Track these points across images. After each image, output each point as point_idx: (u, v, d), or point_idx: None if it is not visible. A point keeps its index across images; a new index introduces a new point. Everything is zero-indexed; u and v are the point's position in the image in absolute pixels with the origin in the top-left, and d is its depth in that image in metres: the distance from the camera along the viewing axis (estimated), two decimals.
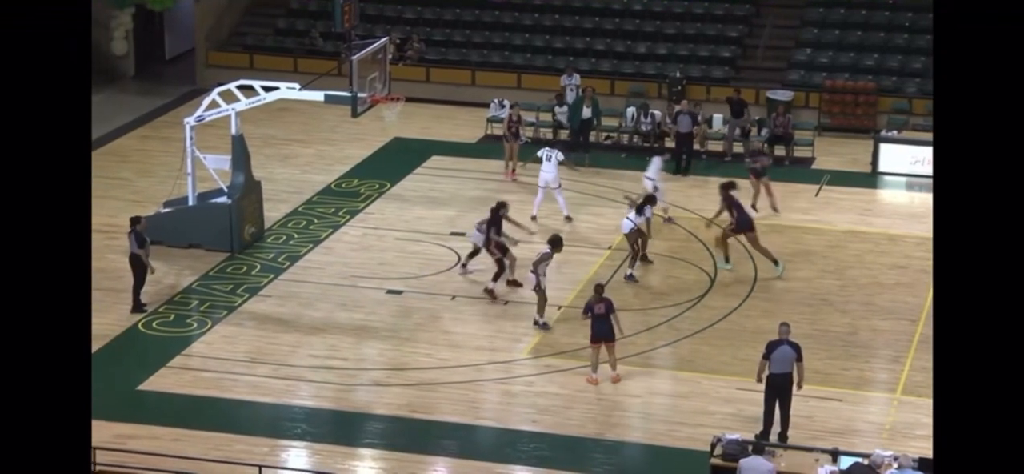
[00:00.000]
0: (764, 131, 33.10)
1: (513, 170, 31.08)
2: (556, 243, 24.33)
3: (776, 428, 19.99)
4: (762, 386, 20.12)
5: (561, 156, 28.72)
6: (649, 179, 28.36)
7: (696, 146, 32.31)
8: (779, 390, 19.94)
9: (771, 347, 19.98)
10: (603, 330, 21.77)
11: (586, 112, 32.48)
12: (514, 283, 25.10)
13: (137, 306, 24.33)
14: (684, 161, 31.56)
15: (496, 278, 25.02)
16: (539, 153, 28.87)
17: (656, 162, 28.89)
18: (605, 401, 21.48)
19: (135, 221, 24.53)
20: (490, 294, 24.86)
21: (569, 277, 25.88)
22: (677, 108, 32.36)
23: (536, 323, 23.75)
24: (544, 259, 23.83)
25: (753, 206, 28.18)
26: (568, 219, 28.43)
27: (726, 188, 26.28)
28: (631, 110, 33.73)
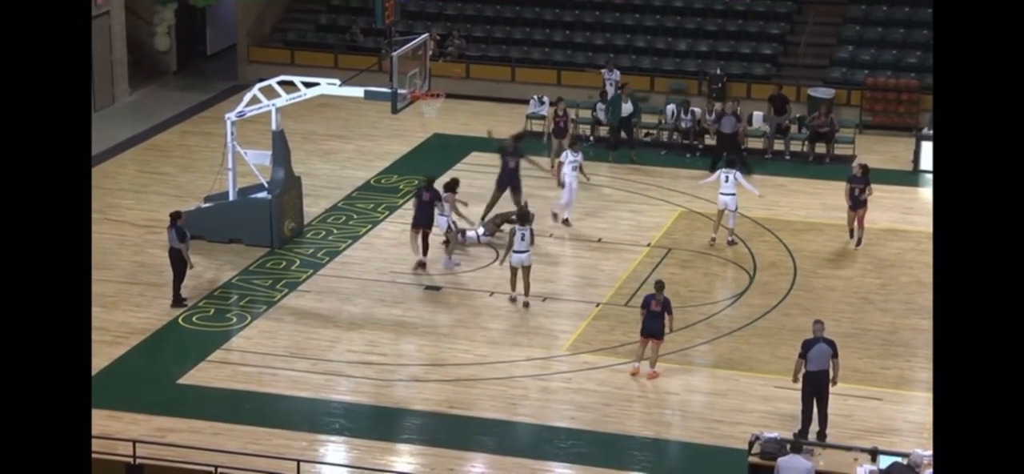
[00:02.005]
0: (804, 129, 32.96)
1: (558, 167, 30.94)
2: (451, 186, 26.61)
3: (814, 427, 19.92)
4: (799, 385, 20.07)
5: (574, 157, 28.29)
6: (729, 195, 26.82)
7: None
8: (816, 387, 19.88)
9: (807, 345, 19.93)
10: (654, 328, 21.79)
11: (626, 108, 32.35)
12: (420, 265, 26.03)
13: (177, 300, 24.45)
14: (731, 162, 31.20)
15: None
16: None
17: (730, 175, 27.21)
18: (643, 398, 21.46)
19: (175, 216, 24.64)
20: (421, 267, 25.87)
21: (608, 274, 25.87)
22: (721, 108, 32.16)
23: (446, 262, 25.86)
24: (444, 200, 26.09)
25: (858, 239, 26.98)
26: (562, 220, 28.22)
27: (448, 188, 26.67)
28: (671, 107, 33.62)
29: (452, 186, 26.72)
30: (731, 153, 31.21)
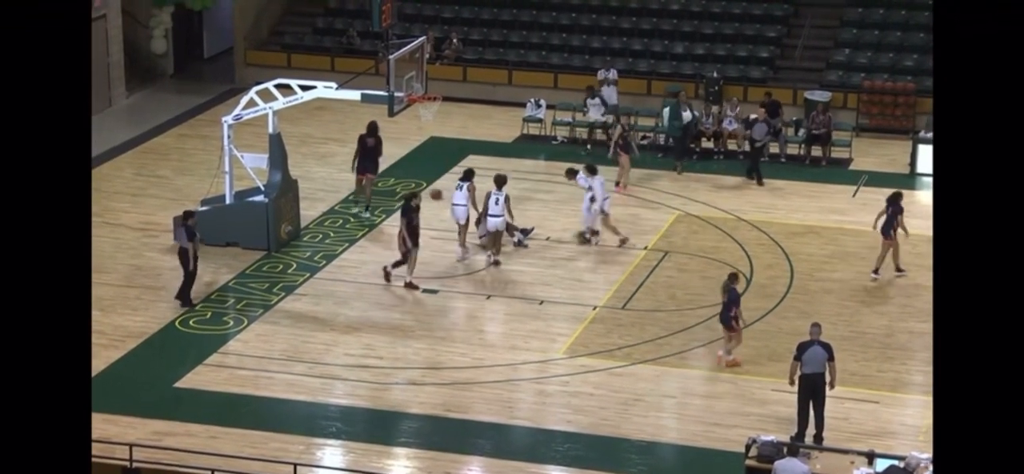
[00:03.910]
0: (801, 131, 32.99)
1: (626, 184, 30.20)
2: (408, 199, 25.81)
3: (811, 430, 19.93)
4: (795, 387, 20.09)
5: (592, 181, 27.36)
6: (605, 198, 26.86)
7: (733, 146, 32.08)
8: (812, 390, 19.91)
9: (802, 348, 19.98)
10: (723, 317, 22.37)
11: (686, 115, 32.17)
12: (411, 286, 25.29)
13: (185, 300, 24.35)
14: (754, 171, 31.14)
15: (396, 265, 25.48)
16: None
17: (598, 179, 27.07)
18: (640, 402, 21.47)
19: (188, 215, 24.63)
20: (387, 276, 25.49)
21: (605, 277, 25.89)
22: (753, 116, 31.96)
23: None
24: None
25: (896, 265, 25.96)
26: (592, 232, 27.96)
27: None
28: (667, 110, 33.59)
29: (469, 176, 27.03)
30: (754, 159, 31.10)
